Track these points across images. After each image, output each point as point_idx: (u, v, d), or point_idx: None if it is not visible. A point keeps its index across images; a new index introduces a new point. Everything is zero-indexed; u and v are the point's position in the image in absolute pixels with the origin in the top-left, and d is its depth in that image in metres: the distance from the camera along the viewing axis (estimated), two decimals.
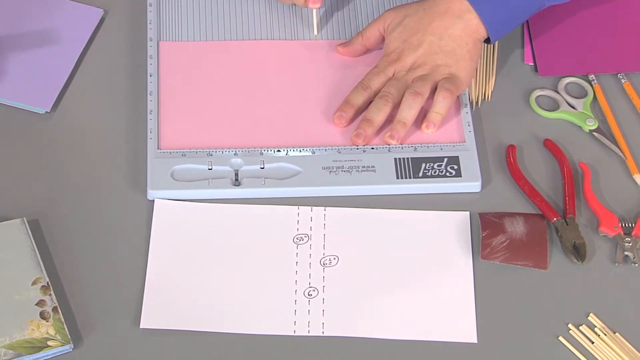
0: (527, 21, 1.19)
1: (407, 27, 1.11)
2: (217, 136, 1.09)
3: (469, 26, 1.10)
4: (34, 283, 0.98)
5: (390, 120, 1.09)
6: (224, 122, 1.10)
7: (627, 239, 1.04)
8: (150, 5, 1.17)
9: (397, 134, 1.08)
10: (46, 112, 1.11)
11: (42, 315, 0.97)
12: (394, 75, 1.10)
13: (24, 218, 1.02)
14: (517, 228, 1.04)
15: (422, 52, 1.10)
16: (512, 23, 1.11)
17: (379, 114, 1.08)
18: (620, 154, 1.10)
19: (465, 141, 1.10)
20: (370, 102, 1.10)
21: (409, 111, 1.08)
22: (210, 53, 1.15)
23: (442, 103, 1.08)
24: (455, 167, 1.08)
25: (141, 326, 0.98)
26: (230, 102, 1.11)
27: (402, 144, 1.09)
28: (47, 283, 0.98)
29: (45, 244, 1.02)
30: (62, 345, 0.96)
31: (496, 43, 1.18)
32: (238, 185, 1.06)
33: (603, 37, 1.17)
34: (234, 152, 1.08)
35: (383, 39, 1.13)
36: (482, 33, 1.10)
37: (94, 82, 1.13)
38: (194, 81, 1.13)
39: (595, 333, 0.99)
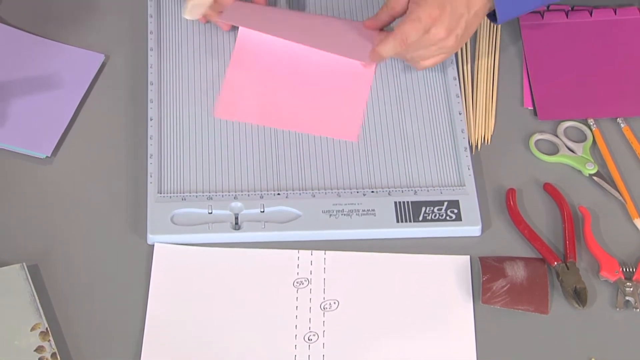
0: (527, 65, 1.20)
1: None
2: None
3: (482, 1, 1.10)
4: (33, 329, 0.98)
5: None
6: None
7: (628, 283, 1.04)
8: (151, 49, 1.18)
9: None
10: (47, 156, 1.11)
11: None
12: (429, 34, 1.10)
13: (24, 263, 1.02)
14: (517, 272, 1.04)
15: (461, 30, 1.10)
16: (523, 7, 1.13)
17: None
18: (620, 198, 1.10)
19: (465, 185, 1.10)
20: None
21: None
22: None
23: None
24: (456, 211, 1.08)
25: None
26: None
27: (401, 187, 1.09)
28: (46, 329, 0.98)
29: (45, 289, 1.02)
30: None
31: (494, 87, 1.18)
32: (238, 229, 1.06)
33: (602, 82, 1.18)
34: (233, 196, 1.08)
35: (407, 6, 1.12)
36: (487, 9, 1.12)
37: (95, 127, 1.14)
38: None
39: None
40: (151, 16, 1.20)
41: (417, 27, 1.09)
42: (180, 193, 1.08)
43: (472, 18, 1.10)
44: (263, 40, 1.14)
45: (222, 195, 1.08)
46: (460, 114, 1.14)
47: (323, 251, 1.06)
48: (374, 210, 1.08)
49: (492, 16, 1.14)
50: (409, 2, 1.12)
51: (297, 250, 1.06)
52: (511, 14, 1.13)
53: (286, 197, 1.08)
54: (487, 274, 1.04)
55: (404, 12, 1.13)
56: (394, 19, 1.15)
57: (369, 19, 1.16)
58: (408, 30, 1.09)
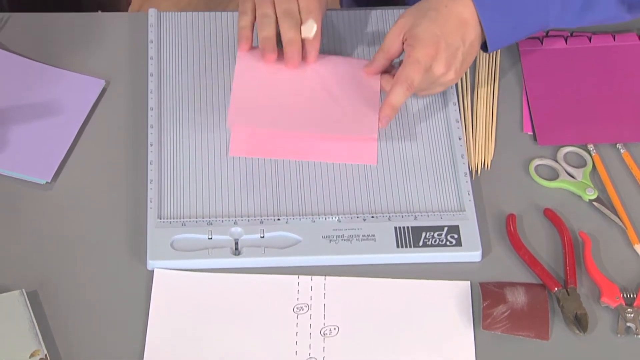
0: (526, 90, 1.20)
1: (432, 30, 1.10)
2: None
3: (477, 31, 1.11)
4: (32, 355, 0.98)
5: None
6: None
7: (629, 309, 1.04)
8: (152, 75, 1.18)
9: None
10: (47, 182, 1.11)
11: None
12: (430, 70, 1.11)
13: (23, 289, 1.02)
14: (518, 298, 1.04)
15: (459, 63, 1.11)
16: (513, 37, 1.14)
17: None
18: (621, 223, 1.10)
19: (465, 210, 1.10)
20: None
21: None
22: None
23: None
24: (456, 236, 1.08)
25: None
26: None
27: (401, 213, 1.09)
28: (45, 355, 0.98)
29: (44, 315, 1.02)
30: None
31: (494, 112, 1.18)
32: (238, 255, 1.06)
33: (602, 107, 1.18)
34: (233, 221, 1.08)
35: (402, 48, 1.13)
36: (481, 39, 1.13)
37: (95, 152, 1.14)
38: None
39: None
40: (151, 42, 1.20)
41: (418, 69, 1.10)
42: (180, 218, 1.08)
43: (468, 49, 1.11)
44: (262, 71, 1.15)
45: (222, 221, 1.08)
46: (460, 139, 1.15)
47: (323, 276, 1.06)
48: (374, 235, 1.08)
49: (482, 45, 1.14)
50: (403, 44, 1.12)
51: (297, 276, 1.06)
52: (502, 43, 1.14)
53: (286, 222, 1.08)
54: (488, 299, 1.04)
55: (399, 54, 1.14)
56: (390, 61, 1.15)
57: (367, 66, 1.16)
58: (410, 74, 1.10)
